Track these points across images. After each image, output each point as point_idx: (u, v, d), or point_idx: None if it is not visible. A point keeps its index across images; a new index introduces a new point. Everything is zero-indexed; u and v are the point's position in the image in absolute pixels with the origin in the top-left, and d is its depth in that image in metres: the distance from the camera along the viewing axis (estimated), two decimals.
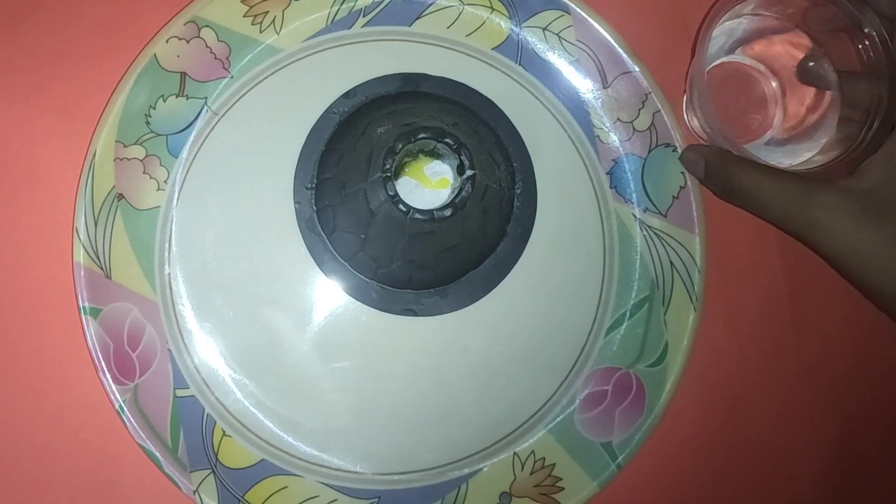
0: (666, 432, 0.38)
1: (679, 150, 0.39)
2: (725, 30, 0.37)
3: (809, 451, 0.40)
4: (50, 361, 0.37)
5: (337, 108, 0.38)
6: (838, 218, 0.32)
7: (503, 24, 0.39)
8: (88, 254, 0.36)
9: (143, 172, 0.37)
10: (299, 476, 0.36)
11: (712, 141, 0.38)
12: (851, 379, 0.40)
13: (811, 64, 0.37)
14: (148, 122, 0.37)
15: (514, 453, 0.38)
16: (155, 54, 0.37)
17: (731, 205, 0.37)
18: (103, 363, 0.35)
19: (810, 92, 0.37)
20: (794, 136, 0.38)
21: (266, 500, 0.36)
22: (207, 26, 0.37)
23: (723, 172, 0.36)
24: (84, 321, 0.35)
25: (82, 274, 0.36)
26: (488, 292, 0.38)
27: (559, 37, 0.39)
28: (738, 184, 0.35)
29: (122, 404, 0.35)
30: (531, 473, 0.37)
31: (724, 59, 0.39)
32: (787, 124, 0.38)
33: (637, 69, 0.39)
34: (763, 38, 0.38)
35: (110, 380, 0.35)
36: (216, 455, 0.36)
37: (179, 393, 0.36)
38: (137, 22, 0.38)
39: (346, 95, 0.38)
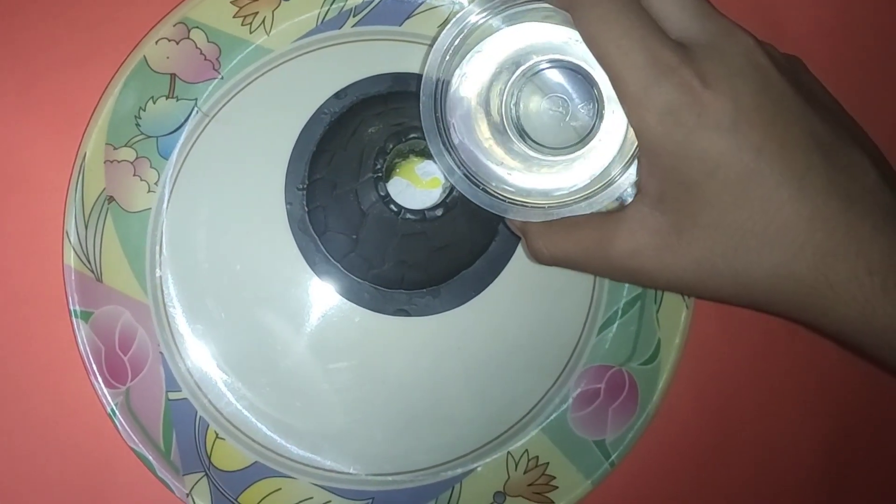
0: (659, 430, 0.38)
1: None
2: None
3: (801, 448, 0.40)
4: (41, 366, 0.36)
5: (328, 109, 0.38)
6: (646, 260, 0.29)
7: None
8: (79, 257, 0.36)
9: (134, 175, 0.37)
10: (293, 478, 0.36)
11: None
12: (842, 376, 0.41)
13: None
14: (138, 124, 0.37)
15: (508, 452, 0.38)
16: (144, 56, 0.36)
17: None
18: (95, 367, 0.35)
19: None
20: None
21: (259, 503, 0.36)
22: (197, 27, 0.37)
23: (530, 245, 0.32)
24: (75, 325, 0.35)
25: (73, 277, 0.35)
26: (480, 292, 0.38)
27: None
28: (547, 256, 0.31)
29: (114, 408, 0.35)
30: (525, 472, 0.37)
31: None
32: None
33: None
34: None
35: (102, 383, 0.35)
36: (209, 458, 0.36)
37: (172, 396, 0.36)
38: (126, 24, 0.37)
39: (337, 96, 0.38)
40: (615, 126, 0.30)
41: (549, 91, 0.31)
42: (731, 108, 0.26)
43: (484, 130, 0.31)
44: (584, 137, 0.30)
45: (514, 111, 0.31)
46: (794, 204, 0.26)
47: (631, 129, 0.28)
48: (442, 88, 0.31)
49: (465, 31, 0.30)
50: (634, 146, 0.29)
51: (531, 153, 0.31)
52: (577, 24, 0.28)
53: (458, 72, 0.31)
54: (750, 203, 0.27)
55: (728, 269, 0.28)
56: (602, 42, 0.27)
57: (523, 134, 0.31)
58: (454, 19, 0.30)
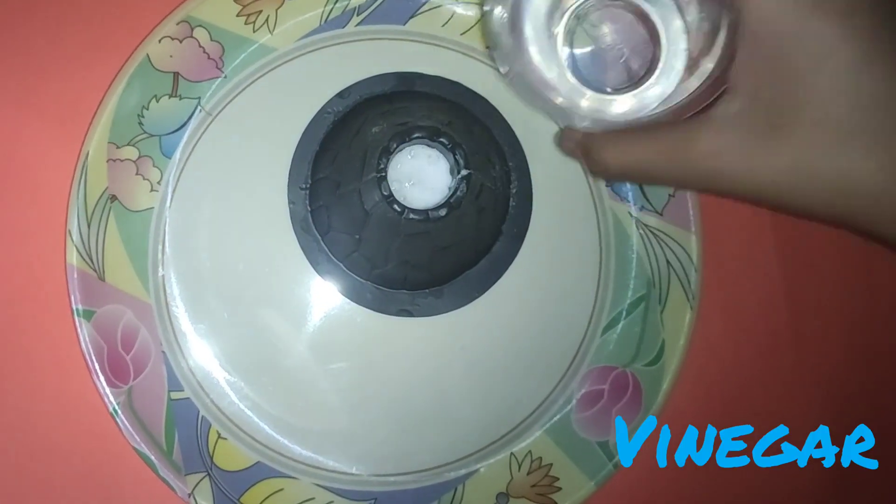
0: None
1: None
2: None
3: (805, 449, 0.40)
4: (43, 364, 0.36)
5: (331, 108, 0.38)
6: (733, 159, 0.27)
7: None
8: (81, 256, 0.36)
9: (137, 173, 0.37)
10: (295, 478, 0.36)
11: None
12: (848, 376, 0.40)
13: None
14: (141, 123, 0.37)
15: (511, 453, 0.38)
16: (148, 54, 0.36)
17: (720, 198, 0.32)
18: (97, 366, 0.35)
19: None
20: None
21: (262, 503, 0.36)
22: (200, 26, 0.37)
23: (595, 159, 0.30)
24: (77, 323, 0.35)
25: (75, 276, 0.35)
26: (484, 292, 0.38)
27: None
28: (615, 167, 0.30)
29: (117, 407, 0.35)
30: (528, 473, 0.37)
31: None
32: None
33: None
34: None
35: (104, 382, 0.35)
36: (211, 458, 0.36)
37: (174, 395, 0.36)
38: (130, 22, 0.37)
39: (341, 95, 0.38)
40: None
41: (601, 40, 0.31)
42: None
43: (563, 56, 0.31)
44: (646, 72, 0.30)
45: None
46: None
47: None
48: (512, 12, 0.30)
49: None
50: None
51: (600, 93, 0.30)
52: None
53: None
54: (861, 96, 0.25)
55: (830, 169, 0.26)
56: None
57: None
58: None
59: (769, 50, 0.26)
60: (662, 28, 0.30)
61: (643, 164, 0.29)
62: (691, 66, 0.30)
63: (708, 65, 0.29)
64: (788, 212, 0.28)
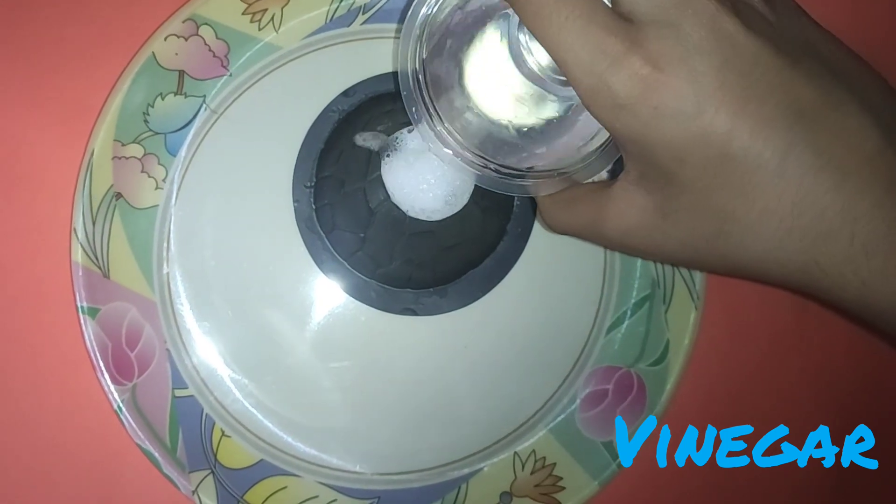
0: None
1: None
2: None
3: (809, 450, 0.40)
4: (48, 361, 0.36)
5: (336, 107, 0.38)
6: (640, 238, 0.28)
7: None
8: (86, 253, 0.36)
9: (142, 171, 0.37)
10: (298, 476, 0.36)
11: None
12: (852, 377, 0.40)
13: None
14: (146, 121, 0.37)
15: (515, 453, 0.38)
16: (153, 52, 0.36)
17: None
18: (101, 363, 0.35)
19: None
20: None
21: (265, 501, 0.36)
22: (206, 24, 0.37)
23: (541, 220, 0.32)
24: (82, 321, 0.35)
25: (80, 273, 0.35)
26: (488, 291, 0.38)
27: None
28: (559, 231, 0.31)
29: (121, 404, 0.35)
30: (532, 473, 0.37)
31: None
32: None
33: None
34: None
35: (108, 380, 0.35)
36: (215, 455, 0.36)
37: (178, 393, 0.36)
38: (135, 20, 0.37)
39: (346, 93, 0.38)
40: None
41: None
42: (692, 93, 0.24)
43: (483, 98, 0.30)
44: None
45: (521, 47, 0.29)
46: (776, 187, 0.24)
47: None
48: (423, 75, 0.30)
49: (430, 13, 0.29)
50: None
51: (545, 88, 0.29)
52: (519, 17, 0.26)
53: (434, 50, 0.30)
54: (727, 188, 0.24)
55: (713, 252, 0.26)
56: (544, 38, 0.25)
57: (529, 65, 0.29)
58: (412, 7, 0.29)
59: (632, 150, 0.26)
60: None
61: (574, 232, 0.30)
62: None
63: None
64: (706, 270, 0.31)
